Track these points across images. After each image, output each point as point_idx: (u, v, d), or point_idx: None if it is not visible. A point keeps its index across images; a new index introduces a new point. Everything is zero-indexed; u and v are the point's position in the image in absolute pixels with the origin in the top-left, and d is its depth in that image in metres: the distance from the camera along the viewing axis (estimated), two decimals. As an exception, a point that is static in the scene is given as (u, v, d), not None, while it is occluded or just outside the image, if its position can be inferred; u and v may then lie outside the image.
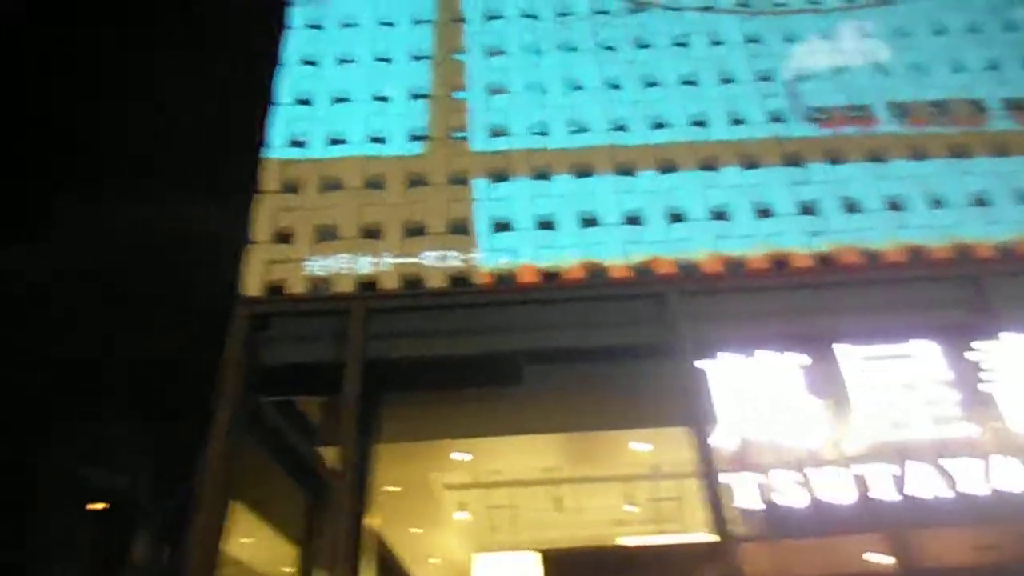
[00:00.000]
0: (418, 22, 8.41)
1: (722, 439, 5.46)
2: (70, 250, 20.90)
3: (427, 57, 8.12)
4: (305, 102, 7.78)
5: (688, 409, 5.91)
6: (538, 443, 7.38)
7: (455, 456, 6.95)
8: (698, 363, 5.83)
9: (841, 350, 5.60)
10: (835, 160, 7.28)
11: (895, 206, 7.00)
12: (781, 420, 5.23)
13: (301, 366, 6.46)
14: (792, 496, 4.82)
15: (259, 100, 8.25)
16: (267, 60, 8.17)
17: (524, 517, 8.38)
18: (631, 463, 7.38)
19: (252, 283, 6.59)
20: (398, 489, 7.45)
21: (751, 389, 5.49)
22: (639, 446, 6.88)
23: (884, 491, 4.86)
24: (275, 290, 6.67)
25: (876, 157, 7.31)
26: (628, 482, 7.82)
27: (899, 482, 4.86)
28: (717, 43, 8.15)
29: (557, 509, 8.27)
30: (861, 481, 4.89)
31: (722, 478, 5.24)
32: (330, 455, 6.77)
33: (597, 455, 7.44)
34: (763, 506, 4.94)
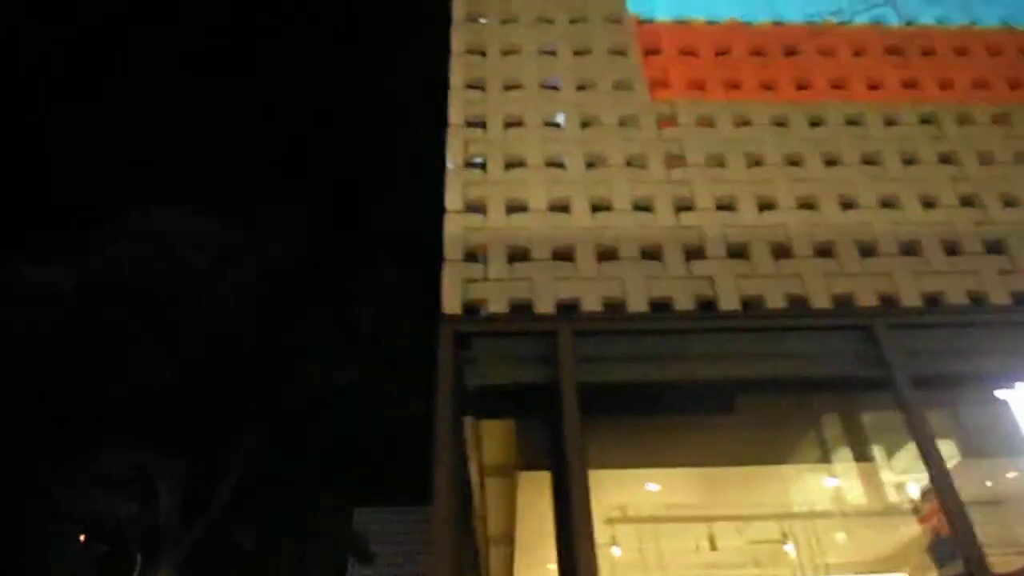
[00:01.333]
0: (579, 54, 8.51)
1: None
2: (100, 268, 20.60)
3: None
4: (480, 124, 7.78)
5: (917, 446, 5.83)
6: (717, 476, 7.28)
7: (649, 487, 6.82)
8: (1001, 393, 5.77)
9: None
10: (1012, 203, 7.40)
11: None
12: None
13: (503, 387, 6.30)
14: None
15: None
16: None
17: (674, 555, 8.19)
18: (814, 500, 7.29)
19: (450, 302, 6.46)
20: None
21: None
22: (830, 482, 6.81)
23: None
24: (472, 309, 6.54)
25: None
26: (797, 519, 7.71)
27: None
28: (874, 87, 8.34)
29: (712, 548, 8.10)
30: None
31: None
32: (525, 481, 6.61)
33: (778, 490, 7.34)
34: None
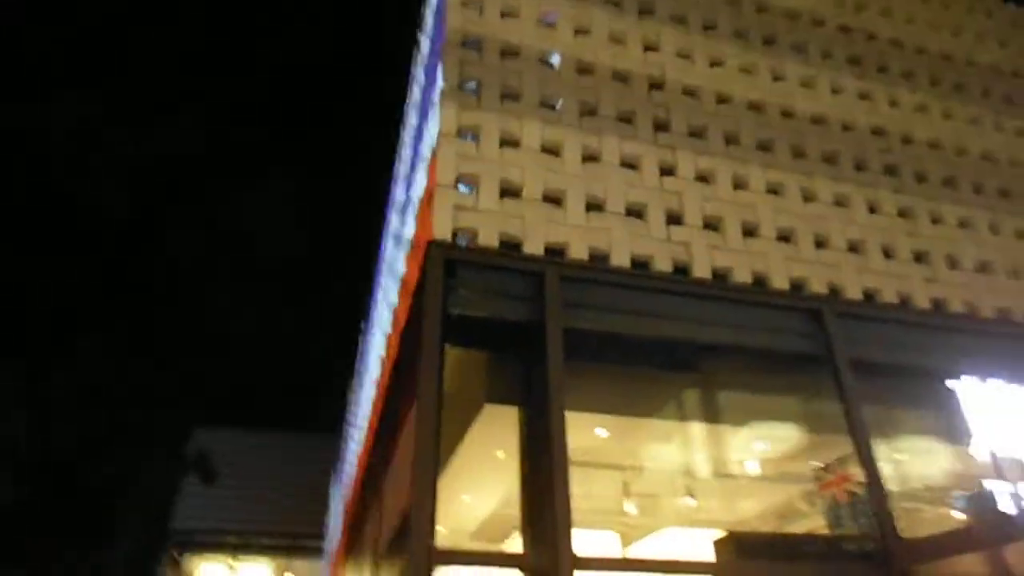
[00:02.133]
0: (577, -4, 8.34)
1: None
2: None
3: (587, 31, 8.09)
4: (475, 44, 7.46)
5: (847, 421, 6.49)
6: (663, 429, 7.72)
7: (598, 432, 7.07)
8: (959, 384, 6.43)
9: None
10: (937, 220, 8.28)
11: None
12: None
13: (485, 320, 6.20)
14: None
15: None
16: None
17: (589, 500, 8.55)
18: (731, 460, 7.92)
19: (441, 226, 6.24)
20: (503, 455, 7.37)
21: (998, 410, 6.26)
22: (761, 445, 7.43)
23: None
24: (457, 238, 6.36)
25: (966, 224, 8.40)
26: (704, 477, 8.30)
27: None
28: (836, 92, 8.88)
29: (625, 495, 8.57)
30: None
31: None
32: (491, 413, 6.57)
33: (705, 446, 7.88)
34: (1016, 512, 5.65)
